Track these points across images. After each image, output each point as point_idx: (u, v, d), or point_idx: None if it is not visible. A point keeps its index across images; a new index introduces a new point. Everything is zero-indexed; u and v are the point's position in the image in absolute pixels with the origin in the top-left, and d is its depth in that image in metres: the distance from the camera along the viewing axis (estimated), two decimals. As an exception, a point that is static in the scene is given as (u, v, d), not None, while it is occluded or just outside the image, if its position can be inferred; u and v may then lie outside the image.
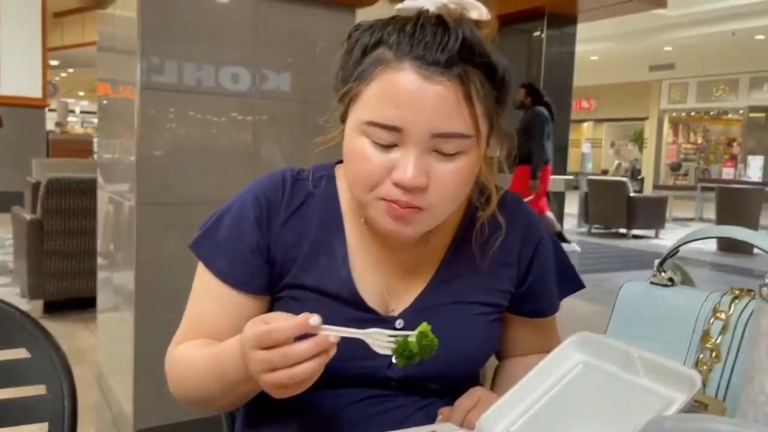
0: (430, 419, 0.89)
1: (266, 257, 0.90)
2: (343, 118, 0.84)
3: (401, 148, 0.77)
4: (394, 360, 0.72)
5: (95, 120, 14.17)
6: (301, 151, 2.14)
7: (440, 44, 0.75)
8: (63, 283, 4.01)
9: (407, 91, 0.75)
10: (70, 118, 15.26)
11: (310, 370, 0.68)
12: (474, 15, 0.80)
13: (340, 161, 0.92)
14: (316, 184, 0.93)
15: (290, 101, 2.40)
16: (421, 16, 0.78)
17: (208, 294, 0.91)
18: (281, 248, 0.90)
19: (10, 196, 5.12)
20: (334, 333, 0.69)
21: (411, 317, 0.89)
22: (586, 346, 0.81)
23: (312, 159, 0.92)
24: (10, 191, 5.14)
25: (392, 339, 0.71)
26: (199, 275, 0.92)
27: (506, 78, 0.81)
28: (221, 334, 0.88)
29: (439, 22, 0.76)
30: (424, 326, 0.71)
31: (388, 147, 0.77)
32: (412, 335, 0.71)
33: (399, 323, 0.89)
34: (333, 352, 0.70)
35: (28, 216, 4.06)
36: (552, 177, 5.95)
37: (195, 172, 2.26)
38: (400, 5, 0.81)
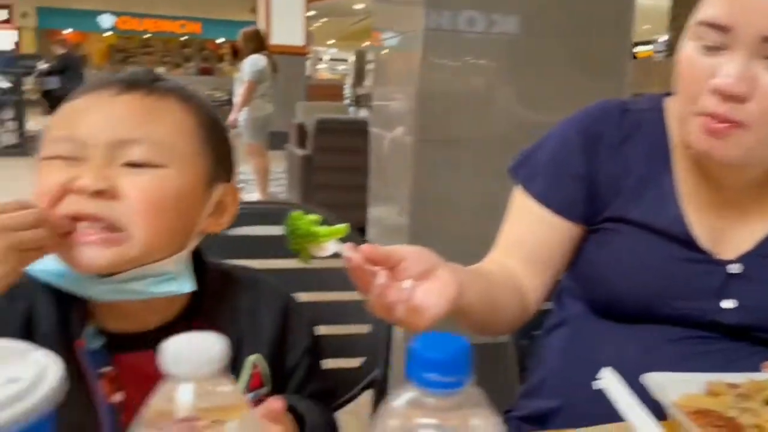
0: (755, 369, 0.81)
1: (588, 186, 0.87)
2: None
3: (728, 52, 0.72)
4: None
5: (340, 67, 15.06)
6: (572, 93, 2.09)
7: None
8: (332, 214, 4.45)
9: None
10: (320, 66, 16.58)
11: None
12: None
13: (668, 93, 0.87)
14: (644, 116, 0.89)
15: (558, 38, 2.33)
16: None
17: (524, 216, 0.91)
18: (605, 179, 0.87)
19: (280, 136, 5.76)
20: None
21: (753, 262, 0.82)
22: None
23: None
24: (280, 131, 5.78)
25: None
26: (517, 198, 0.93)
27: None
28: (536, 255, 0.89)
29: None
30: None
31: (714, 51, 0.73)
32: None
33: (737, 268, 0.83)
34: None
35: (300, 152, 4.54)
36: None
37: (472, 113, 2.31)
38: None
